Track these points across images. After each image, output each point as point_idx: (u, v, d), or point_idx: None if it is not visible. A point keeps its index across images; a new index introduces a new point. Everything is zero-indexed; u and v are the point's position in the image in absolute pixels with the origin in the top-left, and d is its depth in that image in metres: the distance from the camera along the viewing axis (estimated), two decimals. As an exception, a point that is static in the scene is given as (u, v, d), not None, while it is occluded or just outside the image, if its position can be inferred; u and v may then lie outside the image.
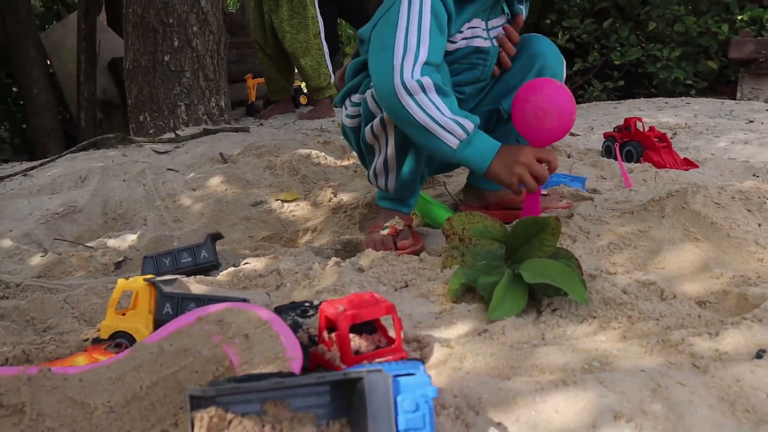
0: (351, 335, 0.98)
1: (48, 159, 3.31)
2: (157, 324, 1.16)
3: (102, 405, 0.84)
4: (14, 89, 6.33)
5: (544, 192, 1.98)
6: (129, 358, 0.93)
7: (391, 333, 1.03)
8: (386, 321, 1.04)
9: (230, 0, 9.99)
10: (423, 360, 1.02)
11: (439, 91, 1.55)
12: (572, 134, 3.37)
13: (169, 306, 1.18)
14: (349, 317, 0.96)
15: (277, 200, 2.34)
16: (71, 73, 5.68)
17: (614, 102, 5.15)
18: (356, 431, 0.78)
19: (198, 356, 0.90)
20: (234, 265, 1.69)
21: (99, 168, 2.82)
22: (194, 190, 2.54)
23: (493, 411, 0.87)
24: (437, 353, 1.04)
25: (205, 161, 2.94)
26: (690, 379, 0.91)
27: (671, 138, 3.00)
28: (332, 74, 4.26)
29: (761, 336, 1.02)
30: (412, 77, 1.53)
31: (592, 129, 3.56)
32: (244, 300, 1.15)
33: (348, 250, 1.90)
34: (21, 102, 6.10)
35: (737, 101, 4.65)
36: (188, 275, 1.60)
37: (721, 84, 5.81)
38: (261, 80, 4.79)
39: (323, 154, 2.79)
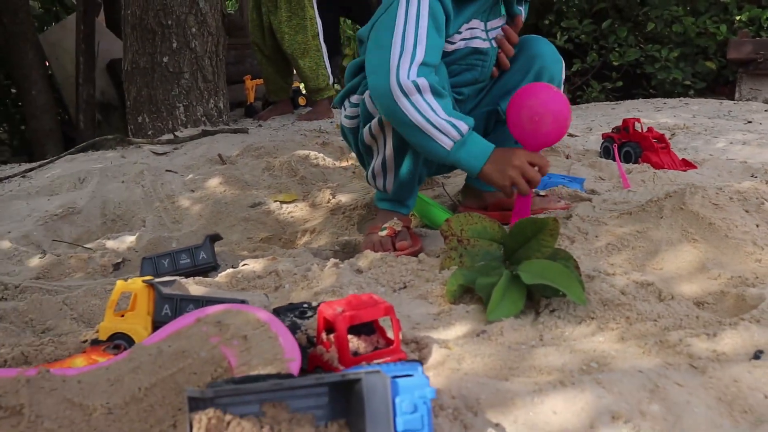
0: (349, 336, 0.98)
1: (46, 160, 3.31)
2: (156, 325, 1.16)
3: (101, 406, 0.84)
4: (13, 90, 6.32)
5: (542, 193, 1.99)
6: (128, 359, 0.93)
7: (390, 334, 1.03)
8: (385, 322, 1.04)
9: (229, 1, 9.99)
10: (421, 361, 1.02)
11: (435, 93, 1.55)
12: (571, 135, 3.37)
13: (168, 307, 1.18)
14: (348, 318, 0.96)
15: (275, 201, 2.34)
16: (70, 74, 5.67)
17: (613, 103, 5.15)
18: (354, 432, 0.78)
19: (196, 358, 0.90)
20: (232, 267, 1.70)
21: (98, 169, 2.82)
22: (193, 191, 2.54)
23: (492, 412, 0.87)
24: (435, 354, 1.04)
25: (203, 162, 2.94)
26: (688, 380, 0.92)
27: (670, 139, 3.00)
28: (330, 75, 4.27)
29: (759, 336, 1.02)
30: (408, 78, 1.53)
31: (591, 130, 3.56)
32: (243, 301, 1.15)
33: (346, 251, 1.90)
34: (20, 103, 6.09)
35: (736, 102, 4.65)
36: (187, 276, 1.60)
37: (719, 84, 5.81)
38: (260, 81, 4.79)
39: (322, 155, 2.79)
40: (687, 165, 2.52)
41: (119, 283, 1.21)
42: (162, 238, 2.03)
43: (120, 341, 1.15)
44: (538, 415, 0.86)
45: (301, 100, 4.63)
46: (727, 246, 1.42)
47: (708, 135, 3.25)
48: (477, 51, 1.75)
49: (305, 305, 1.14)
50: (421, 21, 1.56)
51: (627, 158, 2.62)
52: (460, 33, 1.71)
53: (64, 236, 2.24)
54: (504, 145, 1.66)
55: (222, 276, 1.57)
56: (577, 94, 6.13)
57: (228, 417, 0.74)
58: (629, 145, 2.63)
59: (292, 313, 1.12)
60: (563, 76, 1.88)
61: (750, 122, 3.59)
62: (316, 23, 4.15)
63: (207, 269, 1.72)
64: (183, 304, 1.18)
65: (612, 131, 2.77)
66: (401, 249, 1.71)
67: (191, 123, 3.74)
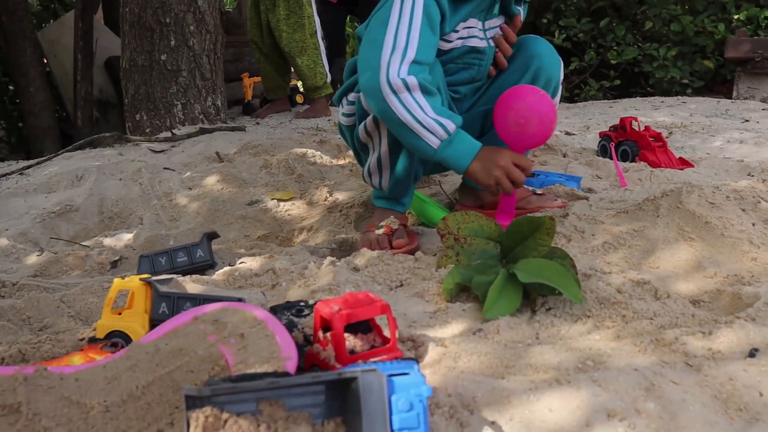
0: (346, 335, 0.99)
1: (44, 158, 3.30)
2: (153, 323, 1.16)
3: (98, 404, 0.85)
4: (11, 88, 6.31)
5: (539, 191, 1.99)
6: (125, 357, 0.93)
7: (386, 332, 1.03)
8: (381, 320, 1.05)
9: (227, -1, 9.97)
10: (417, 359, 1.02)
11: (425, 91, 1.56)
12: (568, 133, 3.37)
13: (165, 305, 1.18)
14: (344, 317, 0.96)
15: (272, 199, 2.34)
16: (68, 71, 5.67)
17: (610, 101, 5.16)
18: (351, 431, 0.79)
19: (194, 356, 0.90)
20: (230, 265, 1.70)
21: (95, 167, 2.82)
22: (190, 189, 2.54)
23: (488, 410, 0.87)
24: (432, 352, 1.04)
25: (201, 160, 2.94)
26: (683, 378, 0.92)
27: (667, 137, 3.00)
28: (329, 74, 4.26)
29: (754, 335, 1.02)
30: (398, 75, 1.53)
31: (588, 128, 3.56)
32: (240, 299, 1.16)
33: (343, 250, 1.90)
34: (17, 100, 6.08)
35: (733, 100, 4.66)
36: (184, 274, 1.60)
37: (717, 83, 5.82)
38: (257, 79, 4.79)
39: (319, 153, 2.79)
40: (684, 164, 2.53)
41: (116, 281, 1.21)
42: (159, 235, 2.03)
43: (117, 339, 1.15)
44: (534, 413, 0.86)
45: (299, 98, 4.62)
46: (724, 245, 1.43)
47: (705, 134, 3.25)
48: (474, 50, 1.75)
49: (302, 303, 1.15)
50: (415, 19, 1.57)
51: (624, 157, 2.63)
52: (457, 32, 1.71)
53: (62, 234, 2.24)
54: (501, 145, 1.66)
55: (219, 274, 1.57)
56: (574, 92, 6.14)
57: (225, 415, 0.74)
58: (626, 144, 2.63)
59: (288, 312, 1.12)
60: (561, 77, 1.88)
61: (747, 121, 3.60)
62: (314, 21, 4.15)
63: (204, 267, 1.72)
64: (180, 302, 1.18)
65: (609, 130, 2.77)
66: (398, 247, 1.71)
67: (189, 121, 3.73)
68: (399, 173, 1.77)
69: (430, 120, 1.55)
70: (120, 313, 1.18)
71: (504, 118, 1.64)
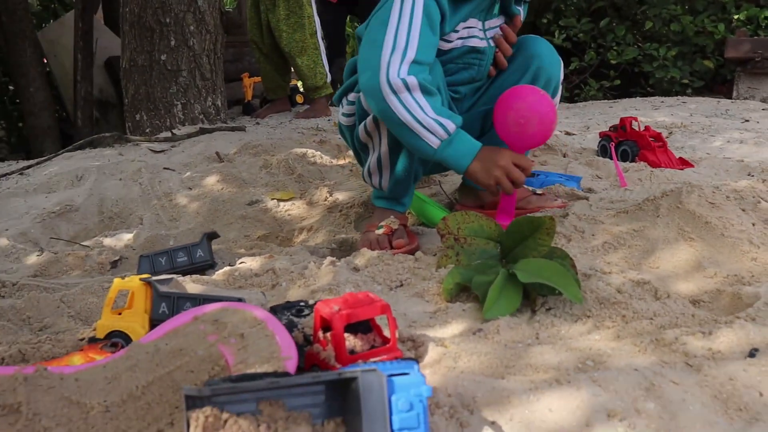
0: (346, 335, 0.99)
1: (44, 158, 3.30)
2: (153, 323, 1.16)
3: (98, 404, 0.85)
4: (11, 88, 6.31)
5: (539, 191, 1.99)
6: (125, 357, 0.93)
7: (386, 332, 1.03)
8: (381, 320, 1.05)
9: (227, -2, 9.97)
10: (417, 359, 1.02)
11: (424, 91, 1.56)
12: (568, 133, 3.38)
13: (165, 305, 1.18)
14: (344, 317, 0.96)
15: (272, 199, 2.34)
16: (68, 71, 5.67)
17: (610, 101, 5.16)
18: (351, 431, 0.79)
19: (194, 356, 0.90)
20: (230, 265, 1.70)
21: (95, 167, 2.82)
22: (190, 189, 2.54)
23: (488, 410, 0.87)
24: (432, 352, 1.04)
25: (201, 160, 2.94)
26: (683, 378, 0.92)
27: (667, 137, 3.00)
28: (328, 74, 4.27)
29: (754, 335, 1.02)
30: (398, 75, 1.54)
31: (588, 128, 3.56)
32: (240, 299, 1.16)
33: (343, 250, 1.90)
34: (17, 100, 6.08)
35: (733, 100, 4.66)
36: (184, 274, 1.60)
37: (717, 83, 5.82)
38: (257, 79, 4.79)
39: (319, 153, 2.79)
40: (684, 164, 2.53)
41: (116, 281, 1.21)
42: (159, 235, 2.03)
43: (117, 339, 1.15)
44: (534, 413, 0.86)
45: (299, 98, 4.62)
46: (723, 245, 1.43)
47: (705, 134, 3.25)
48: (474, 50, 1.76)
49: (302, 303, 1.15)
50: (415, 19, 1.57)
51: (624, 157, 2.63)
52: (457, 32, 1.71)
53: (62, 234, 2.24)
54: (501, 145, 1.66)
55: (219, 274, 1.57)
56: (574, 92, 6.13)
57: (225, 415, 0.74)
58: (626, 144, 2.63)
59: (288, 312, 1.12)
60: (562, 77, 1.88)
61: (747, 121, 3.60)
62: (314, 21, 4.15)
63: (204, 267, 1.72)
64: (180, 302, 1.18)
65: (609, 130, 2.77)
66: (398, 247, 1.71)
67: (189, 121, 3.73)
68: (399, 173, 1.77)
69: (430, 120, 1.55)
70: (120, 313, 1.18)
71: (504, 118, 1.64)
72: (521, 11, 1.84)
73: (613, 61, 5.79)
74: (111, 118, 5.78)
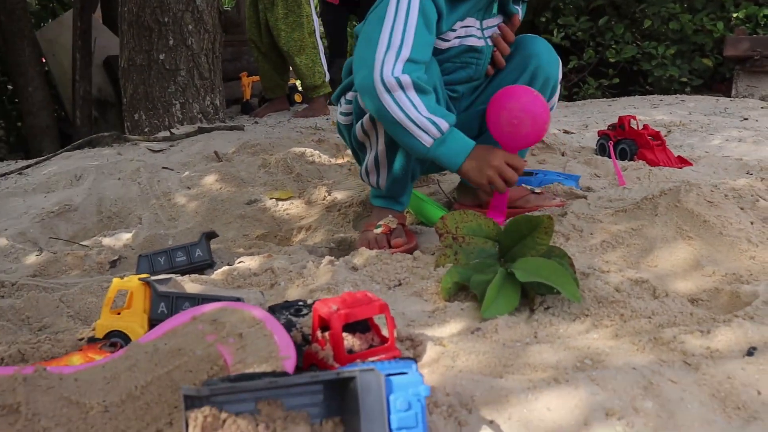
0: (344, 334, 0.99)
1: (43, 157, 3.30)
2: (152, 323, 1.16)
3: (97, 404, 0.85)
4: (9, 87, 6.31)
5: (537, 190, 1.99)
6: (124, 357, 0.93)
7: (385, 332, 1.03)
8: (379, 320, 1.05)
9: (225, -3, 9.97)
10: (416, 359, 1.02)
11: (418, 89, 1.56)
12: (567, 132, 3.38)
13: (164, 305, 1.18)
14: (343, 316, 0.96)
15: (271, 198, 2.34)
16: (66, 71, 5.66)
17: (609, 99, 5.16)
18: (349, 430, 0.79)
19: (192, 355, 0.91)
20: (228, 264, 1.70)
21: (94, 166, 2.82)
22: (189, 188, 2.54)
23: (486, 409, 0.87)
24: (430, 352, 1.04)
25: (199, 160, 2.94)
26: (681, 377, 0.92)
27: (665, 136, 3.01)
28: (327, 73, 4.27)
29: (752, 333, 1.02)
30: (392, 74, 1.54)
31: (587, 127, 3.56)
32: (238, 299, 1.16)
33: (342, 249, 1.90)
34: (16, 100, 6.08)
35: (732, 99, 4.66)
36: (183, 274, 1.60)
37: (716, 82, 5.82)
38: (256, 78, 4.79)
39: (317, 152, 2.80)
40: (682, 162, 2.53)
41: (115, 280, 1.21)
42: (158, 235, 2.03)
43: (116, 339, 1.15)
44: (533, 412, 0.86)
45: (297, 98, 4.63)
46: (722, 243, 1.43)
47: (704, 132, 3.25)
48: (472, 49, 1.76)
49: (300, 303, 1.15)
50: (411, 18, 1.57)
51: (622, 155, 2.63)
52: (454, 30, 1.71)
53: (61, 233, 2.24)
54: (498, 143, 1.67)
55: (218, 273, 1.57)
56: (573, 90, 6.13)
57: (224, 415, 0.74)
58: (625, 143, 2.63)
59: (287, 311, 1.12)
60: (560, 76, 1.88)
61: (746, 119, 3.60)
62: (313, 21, 4.15)
63: (203, 267, 1.72)
64: (179, 301, 1.18)
65: (608, 128, 2.77)
66: (396, 246, 1.71)
67: (187, 120, 3.73)
68: (396, 172, 1.77)
69: (423, 119, 1.55)
70: (119, 313, 1.18)
71: (497, 118, 1.65)
72: (519, 10, 1.84)
73: (611, 60, 5.79)
74: (110, 117, 5.78)
